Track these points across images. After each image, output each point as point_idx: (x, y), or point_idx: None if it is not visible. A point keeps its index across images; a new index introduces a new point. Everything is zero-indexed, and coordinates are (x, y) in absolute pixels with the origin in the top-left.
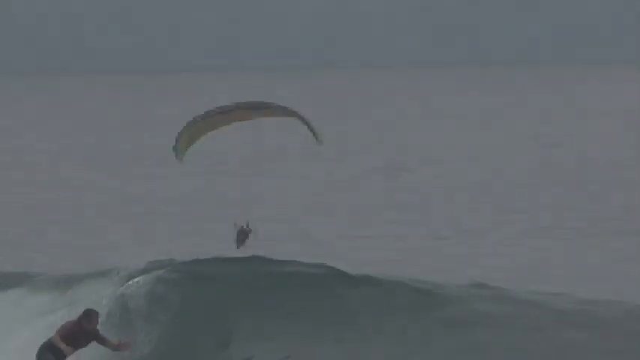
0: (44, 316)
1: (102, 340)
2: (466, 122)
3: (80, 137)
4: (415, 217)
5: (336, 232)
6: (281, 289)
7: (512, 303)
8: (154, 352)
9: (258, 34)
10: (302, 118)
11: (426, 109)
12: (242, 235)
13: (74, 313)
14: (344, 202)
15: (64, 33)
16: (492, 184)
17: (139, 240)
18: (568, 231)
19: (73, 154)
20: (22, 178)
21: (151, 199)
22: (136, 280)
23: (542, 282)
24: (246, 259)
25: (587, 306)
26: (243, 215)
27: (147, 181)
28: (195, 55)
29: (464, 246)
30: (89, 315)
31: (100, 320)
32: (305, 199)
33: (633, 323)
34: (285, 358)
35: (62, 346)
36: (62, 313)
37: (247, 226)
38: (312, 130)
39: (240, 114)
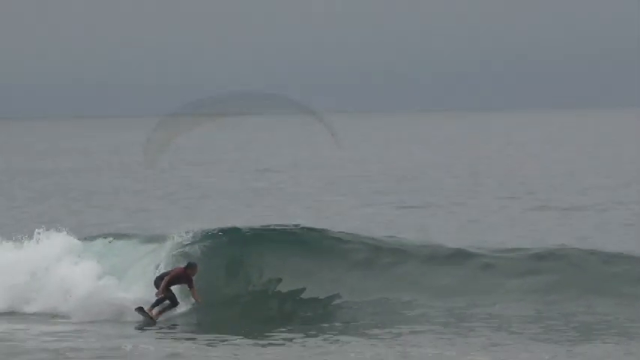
0: (149, 259)
1: (191, 286)
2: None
3: None
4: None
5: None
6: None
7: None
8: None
9: None
10: (319, 118)
11: None
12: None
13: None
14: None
15: None
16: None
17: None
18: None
19: None
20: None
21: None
22: (191, 241)
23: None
24: (274, 227)
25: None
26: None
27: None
28: None
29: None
30: (193, 266)
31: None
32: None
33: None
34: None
35: (160, 287)
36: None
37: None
38: (330, 131)
39: (234, 105)
